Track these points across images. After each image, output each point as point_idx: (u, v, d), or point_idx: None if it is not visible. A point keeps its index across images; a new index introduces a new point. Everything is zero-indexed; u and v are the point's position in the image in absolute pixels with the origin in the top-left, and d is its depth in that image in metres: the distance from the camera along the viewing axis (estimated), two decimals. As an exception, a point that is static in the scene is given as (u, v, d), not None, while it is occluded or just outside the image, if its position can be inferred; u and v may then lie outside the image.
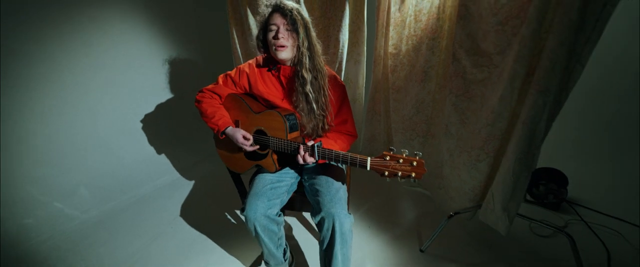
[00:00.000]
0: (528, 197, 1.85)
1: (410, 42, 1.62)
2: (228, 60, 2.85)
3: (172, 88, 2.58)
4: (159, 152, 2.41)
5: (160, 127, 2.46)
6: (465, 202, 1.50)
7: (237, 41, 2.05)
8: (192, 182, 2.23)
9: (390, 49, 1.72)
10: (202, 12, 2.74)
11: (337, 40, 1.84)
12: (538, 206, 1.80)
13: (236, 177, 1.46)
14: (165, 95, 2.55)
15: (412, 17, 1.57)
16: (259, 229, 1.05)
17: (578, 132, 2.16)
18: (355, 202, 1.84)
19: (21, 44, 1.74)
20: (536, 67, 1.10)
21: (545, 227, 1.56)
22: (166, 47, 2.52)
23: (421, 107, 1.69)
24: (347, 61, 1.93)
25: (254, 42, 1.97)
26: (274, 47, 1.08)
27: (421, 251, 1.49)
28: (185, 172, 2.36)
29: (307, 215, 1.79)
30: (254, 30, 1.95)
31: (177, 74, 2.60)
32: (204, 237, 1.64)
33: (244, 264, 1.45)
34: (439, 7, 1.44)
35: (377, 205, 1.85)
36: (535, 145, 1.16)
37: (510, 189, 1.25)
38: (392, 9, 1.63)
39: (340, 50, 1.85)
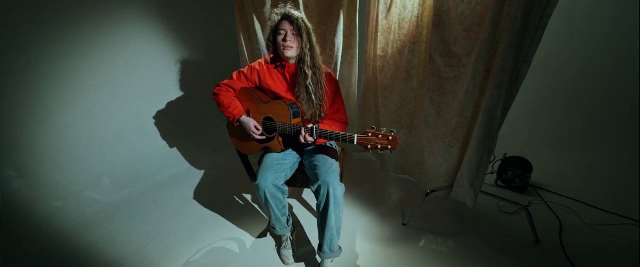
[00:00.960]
0: (499, 182, 2.11)
1: (395, 46, 1.88)
2: (231, 63, 3.11)
3: (182, 87, 2.81)
4: (170, 146, 2.64)
5: (172, 124, 2.69)
6: (441, 182, 1.75)
7: (244, 44, 2.30)
8: (202, 171, 2.46)
9: (379, 52, 1.98)
10: (212, 18, 2.99)
11: (333, 44, 2.09)
12: (507, 190, 2.06)
13: (245, 160, 1.69)
14: (175, 94, 2.79)
15: (397, 25, 1.83)
16: (268, 195, 1.29)
17: (542, 126, 2.43)
18: (348, 188, 2.08)
19: (47, 45, 1.96)
20: (492, 66, 1.36)
21: (510, 205, 1.82)
22: (176, 50, 2.76)
23: (405, 102, 1.95)
24: (342, 63, 2.19)
25: (259, 45, 2.23)
26: (282, 48, 1.33)
27: (404, 224, 1.73)
28: (195, 163, 2.59)
29: (305, 197, 2.03)
30: (259, 34, 2.20)
31: (186, 75, 2.84)
32: (215, 215, 1.87)
33: (252, 235, 1.68)
34: (418, 17, 1.71)
35: (367, 190, 2.10)
36: (494, 130, 1.42)
37: (475, 168, 1.50)
38: (380, 17, 1.89)
39: (335, 53, 2.11)
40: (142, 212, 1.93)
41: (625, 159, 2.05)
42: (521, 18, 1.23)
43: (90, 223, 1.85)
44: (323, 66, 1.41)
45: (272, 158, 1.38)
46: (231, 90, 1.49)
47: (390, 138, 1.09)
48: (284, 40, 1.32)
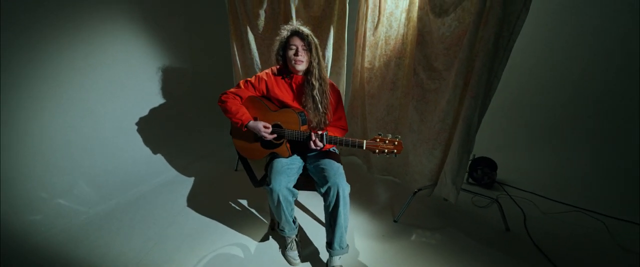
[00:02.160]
0: (470, 180, 2.39)
1: (382, 59, 2.08)
2: (217, 70, 3.12)
3: (165, 94, 2.77)
4: (155, 153, 2.58)
5: (156, 131, 2.64)
6: (425, 181, 1.96)
7: (236, 53, 2.36)
8: (192, 178, 2.43)
9: (366, 65, 2.16)
10: (196, 26, 3.00)
11: (323, 56, 2.24)
12: (477, 186, 2.34)
13: (247, 165, 1.75)
14: (158, 100, 2.74)
15: (383, 41, 2.03)
16: (281, 198, 1.37)
17: (504, 131, 2.80)
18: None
19: (22, 45, 1.87)
20: (470, 80, 1.60)
21: (483, 199, 2.08)
22: (159, 56, 2.73)
23: (391, 110, 2.15)
24: (330, 74, 2.34)
25: (251, 54, 2.31)
26: (293, 62, 1.45)
27: (395, 221, 1.91)
28: (183, 170, 2.55)
29: (300, 199, 2.12)
30: (252, 44, 2.28)
31: (170, 81, 2.80)
32: (214, 222, 1.88)
33: (254, 239, 1.74)
34: (403, 35, 1.92)
35: (357, 191, 2.25)
36: (472, 134, 1.66)
37: (457, 168, 1.73)
38: (368, 33, 2.08)
39: (325, 64, 2.25)
40: (133, 222, 1.88)
41: (570, 157, 2.45)
42: (493, 41, 1.48)
43: (76, 236, 1.76)
44: (327, 77, 1.55)
45: (281, 163, 1.47)
46: (238, 98, 1.56)
47: (396, 143, 1.26)
48: (296, 54, 1.44)
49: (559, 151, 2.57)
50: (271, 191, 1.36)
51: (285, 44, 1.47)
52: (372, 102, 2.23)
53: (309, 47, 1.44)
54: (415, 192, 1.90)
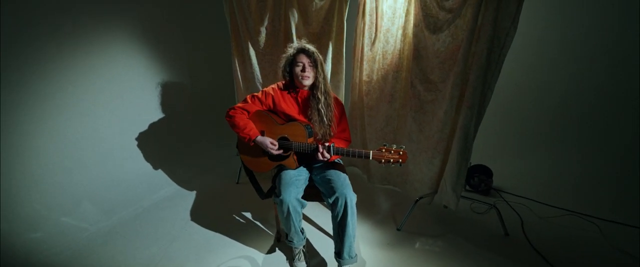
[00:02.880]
0: (467, 187, 2.46)
1: (379, 73, 2.17)
2: (216, 86, 3.17)
3: (165, 109, 2.80)
4: (155, 168, 2.58)
5: (156, 145, 2.65)
6: (425, 189, 2.02)
7: (238, 68, 2.42)
8: (194, 192, 2.43)
9: (364, 78, 2.25)
10: (196, 43, 3.06)
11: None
12: (474, 193, 2.41)
13: (252, 178, 1.78)
14: (157, 115, 2.76)
15: (381, 56, 2.13)
16: (291, 209, 1.41)
17: (499, 139, 2.91)
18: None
19: (22, 65, 1.89)
20: (465, 92, 1.69)
21: (481, 205, 2.15)
22: (159, 72, 2.77)
23: (389, 120, 2.23)
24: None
25: (252, 69, 2.38)
26: (300, 77, 1.52)
27: (398, 229, 1.95)
28: (184, 184, 2.55)
29: (309, 213, 2.14)
30: (253, 59, 2.35)
31: (170, 94, 2.84)
32: (219, 235, 1.89)
33: (261, 252, 1.75)
34: (400, 50, 2.02)
35: (359, 200, 2.25)
36: (469, 143, 1.74)
37: (456, 175, 1.80)
38: (365, 49, 2.18)
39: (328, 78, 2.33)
40: (138, 238, 1.88)
41: (561, 162, 2.56)
42: (485, 56, 1.58)
43: (80, 253, 1.75)
44: (331, 91, 1.62)
45: (289, 175, 1.51)
46: (245, 112, 1.61)
47: (401, 152, 1.32)
48: (303, 70, 1.51)
49: (551, 157, 2.68)
50: (281, 202, 1.40)
51: (292, 61, 1.54)
52: (371, 113, 2.31)
53: (314, 64, 1.51)
54: (417, 200, 1.96)
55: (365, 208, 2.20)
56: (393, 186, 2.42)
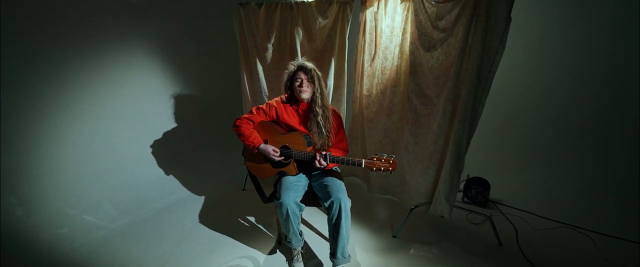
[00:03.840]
0: (465, 199, 2.52)
1: (378, 88, 2.30)
2: (224, 98, 3.36)
3: (177, 118, 2.99)
4: (167, 173, 2.75)
5: (168, 152, 2.83)
6: (421, 199, 2.10)
7: (246, 82, 2.60)
8: (202, 197, 2.58)
9: (365, 92, 2.38)
10: (206, 58, 3.28)
11: (326, 85, 2.46)
12: (472, 204, 2.47)
13: (256, 183, 1.92)
14: (171, 124, 2.95)
15: (380, 71, 2.26)
16: (289, 212, 1.53)
17: (496, 152, 2.96)
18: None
19: (48, 71, 2.08)
20: (457, 106, 1.80)
21: (476, 215, 2.21)
22: (175, 83, 2.98)
23: (388, 133, 2.34)
24: (332, 100, 2.55)
25: (260, 82, 2.55)
26: (298, 91, 1.67)
27: (394, 236, 2.03)
28: (193, 189, 2.71)
29: (308, 218, 2.25)
30: (260, 74, 2.53)
31: (183, 106, 3.04)
32: (225, 237, 2.02)
33: (263, 253, 1.86)
34: (397, 66, 2.15)
35: (358, 209, 2.38)
36: (461, 154, 1.83)
37: (449, 186, 1.88)
38: (366, 65, 2.32)
39: (327, 93, 2.48)
40: (150, 237, 2.02)
41: (559, 176, 2.60)
42: (475, 72, 1.69)
43: (98, 248, 1.91)
44: (329, 105, 1.76)
45: (289, 180, 1.64)
46: (251, 122, 1.76)
47: (391, 161, 1.43)
48: (300, 85, 1.66)
49: (549, 170, 2.71)
50: (281, 204, 1.52)
51: (292, 77, 1.69)
52: (370, 126, 2.43)
53: (312, 79, 1.66)
54: (412, 208, 2.04)
55: (364, 216, 2.29)
56: (392, 195, 2.51)
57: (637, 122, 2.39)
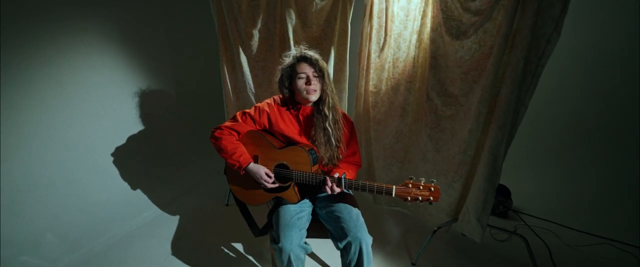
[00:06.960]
0: (484, 209, 2.23)
1: (389, 83, 1.92)
2: (203, 94, 2.87)
3: (145, 120, 2.49)
4: (133, 188, 2.27)
5: (134, 162, 2.33)
6: (443, 217, 1.77)
7: (227, 76, 2.13)
8: (176, 217, 2.13)
9: (371, 89, 1.99)
10: (180, 48, 2.76)
11: (328, 80, 2.06)
12: (491, 216, 2.18)
13: (244, 210, 1.50)
14: (137, 127, 2.45)
15: (391, 64, 1.87)
16: (293, 258, 1.14)
17: (511, 153, 2.68)
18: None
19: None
20: (495, 108, 1.45)
21: (502, 232, 1.91)
22: (141, 76, 2.46)
23: (400, 137, 1.98)
24: (331, 97, 2.15)
25: (244, 77, 2.10)
26: (305, 92, 1.25)
27: (413, 264, 1.70)
28: (165, 207, 2.24)
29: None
30: (245, 66, 2.07)
31: (150, 103, 2.53)
32: (205, 274, 1.61)
33: (254, 295, 1.48)
34: (414, 58, 1.77)
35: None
36: (498, 167, 1.50)
37: (482, 204, 1.56)
38: (373, 56, 1.92)
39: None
40: (107, 280, 1.58)
41: (590, 181, 2.34)
42: (522, 67, 1.34)
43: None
44: (339, 106, 1.36)
45: (289, 212, 1.24)
46: (234, 133, 1.34)
47: (432, 189, 1.06)
48: (308, 83, 1.24)
49: (570, 172, 2.45)
50: (281, 250, 1.13)
51: (291, 73, 1.27)
52: (378, 128, 2.06)
53: (320, 74, 1.25)
54: (435, 230, 1.71)
55: (374, 236, 1.89)
56: (401, 208, 2.17)
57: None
